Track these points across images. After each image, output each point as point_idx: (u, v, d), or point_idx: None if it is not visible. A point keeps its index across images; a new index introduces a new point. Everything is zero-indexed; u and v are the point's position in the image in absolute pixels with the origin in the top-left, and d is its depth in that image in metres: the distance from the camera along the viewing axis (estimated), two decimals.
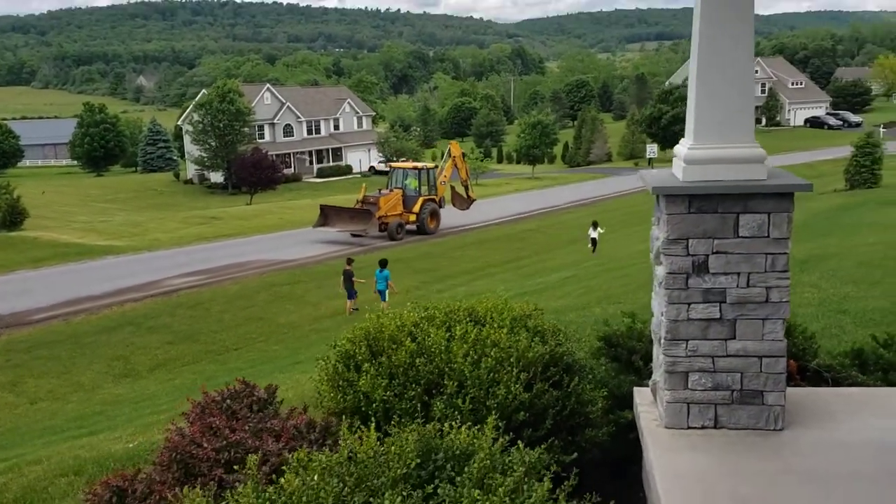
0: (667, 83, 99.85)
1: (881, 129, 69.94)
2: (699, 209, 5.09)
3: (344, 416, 5.50)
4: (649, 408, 5.73)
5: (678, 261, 5.17)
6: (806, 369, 6.47)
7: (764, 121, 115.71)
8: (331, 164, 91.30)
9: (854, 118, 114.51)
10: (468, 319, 6.04)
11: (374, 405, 5.41)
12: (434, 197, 39.81)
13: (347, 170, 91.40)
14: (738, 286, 5.14)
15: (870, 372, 6.55)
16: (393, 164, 45.09)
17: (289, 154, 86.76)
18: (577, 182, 68.93)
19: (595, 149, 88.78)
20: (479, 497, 3.30)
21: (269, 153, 76.08)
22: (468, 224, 43.13)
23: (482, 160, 72.43)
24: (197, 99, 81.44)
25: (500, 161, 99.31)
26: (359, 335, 5.91)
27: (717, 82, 5.10)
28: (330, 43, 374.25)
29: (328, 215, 38.81)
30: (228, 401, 5.37)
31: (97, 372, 19.90)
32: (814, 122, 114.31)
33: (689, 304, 5.20)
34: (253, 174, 71.00)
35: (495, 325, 5.83)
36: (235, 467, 4.37)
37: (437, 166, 41.98)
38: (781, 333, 5.19)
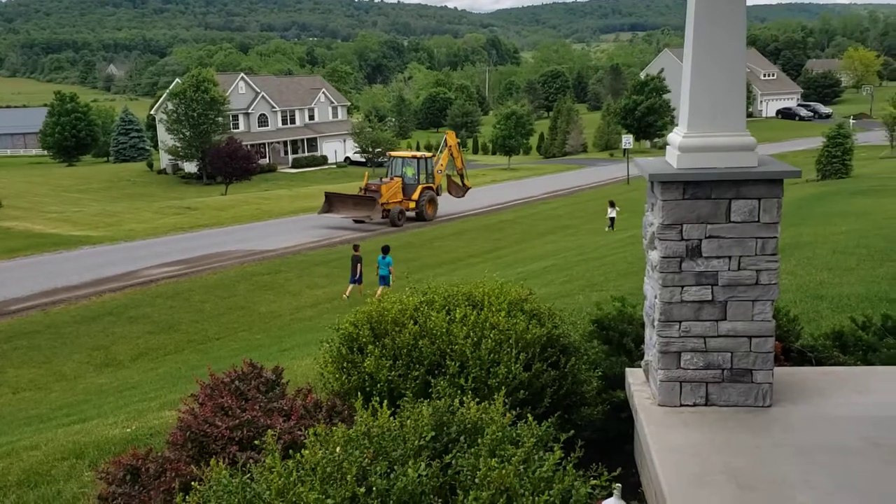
0: (642, 74, 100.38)
1: (851, 121, 71.03)
2: (693, 195, 5.30)
3: (350, 396, 5.67)
4: (642, 387, 5.95)
5: (672, 245, 5.37)
6: (790, 350, 6.73)
7: None
8: (306, 154, 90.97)
9: (824, 109, 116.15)
10: (466, 303, 6.21)
11: (378, 385, 5.58)
12: (432, 185, 41.19)
13: (322, 160, 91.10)
14: (729, 269, 5.35)
15: (850, 353, 6.82)
16: (392, 154, 46.72)
17: (263, 144, 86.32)
18: (553, 173, 69.29)
19: (570, 140, 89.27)
20: (495, 465, 3.48)
21: (244, 143, 75.69)
22: (447, 215, 43.43)
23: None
24: (171, 88, 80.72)
25: (476, 152, 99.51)
26: (361, 318, 6.06)
27: (711, 72, 5.31)
28: (303, 32, 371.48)
29: (333, 202, 39.93)
30: (237, 382, 5.51)
31: (78, 362, 19.84)
32: (785, 114, 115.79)
33: (682, 286, 5.42)
34: (228, 164, 70.60)
35: (493, 309, 6.00)
36: (257, 442, 4.51)
37: (433, 155, 43.56)
38: (770, 314, 5.42)
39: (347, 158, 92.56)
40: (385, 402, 4.48)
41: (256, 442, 4.59)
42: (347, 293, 24.30)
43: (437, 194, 41.90)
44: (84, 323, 22.57)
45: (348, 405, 5.62)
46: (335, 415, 5.41)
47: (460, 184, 44.55)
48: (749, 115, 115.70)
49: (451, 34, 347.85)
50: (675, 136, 5.58)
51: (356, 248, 25.10)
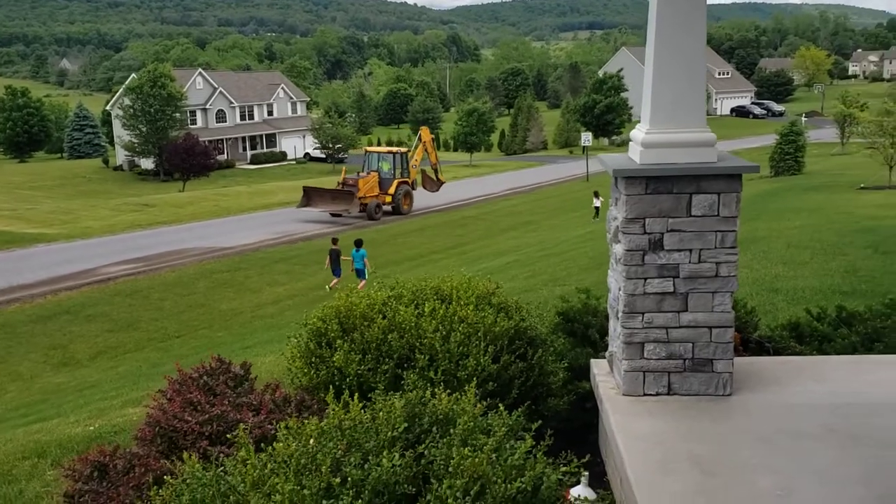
0: (600, 72, 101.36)
1: (803, 118, 72.56)
2: (655, 190, 5.42)
3: (318, 391, 5.70)
4: (606, 377, 6.07)
5: (636, 239, 5.49)
6: (748, 341, 6.91)
7: None
8: (265, 150, 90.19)
9: (777, 107, 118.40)
10: (435, 297, 6.27)
11: (348, 379, 5.62)
12: (407, 179, 42.11)
13: (282, 156, 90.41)
14: (690, 262, 5.49)
15: (806, 343, 7.03)
16: (368, 149, 47.38)
17: (221, 140, 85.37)
18: (514, 170, 69.63)
19: (531, 137, 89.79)
20: (468, 454, 3.55)
21: (202, 139, 74.78)
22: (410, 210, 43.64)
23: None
24: (127, 83, 79.44)
25: (437, 148, 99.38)
26: (329, 313, 6.08)
27: (672, 70, 5.44)
28: (261, 27, 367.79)
29: (311, 196, 40.34)
30: (205, 377, 5.50)
31: (34, 361, 19.50)
32: (739, 112, 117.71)
33: (645, 279, 5.54)
34: (185, 160, 69.72)
35: (462, 303, 6.08)
36: (228, 436, 4.53)
37: (409, 151, 44.55)
38: (730, 306, 5.57)
39: (307, 154, 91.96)
40: (356, 395, 4.52)
41: (228, 436, 4.60)
42: (333, 284, 23.83)
43: (413, 189, 42.69)
44: (40, 322, 22.18)
45: (317, 399, 5.65)
46: (304, 409, 5.44)
47: (434, 178, 45.55)
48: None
49: (411, 30, 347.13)
50: (638, 133, 5.70)
51: (335, 241, 25.34)
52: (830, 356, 6.52)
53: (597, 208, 35.20)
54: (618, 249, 5.69)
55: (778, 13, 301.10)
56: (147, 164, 78.17)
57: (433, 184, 45.50)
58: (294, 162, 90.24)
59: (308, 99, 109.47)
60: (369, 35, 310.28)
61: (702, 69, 5.46)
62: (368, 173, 41.06)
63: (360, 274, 23.47)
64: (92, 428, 7.90)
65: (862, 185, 32.07)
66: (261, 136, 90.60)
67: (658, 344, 5.61)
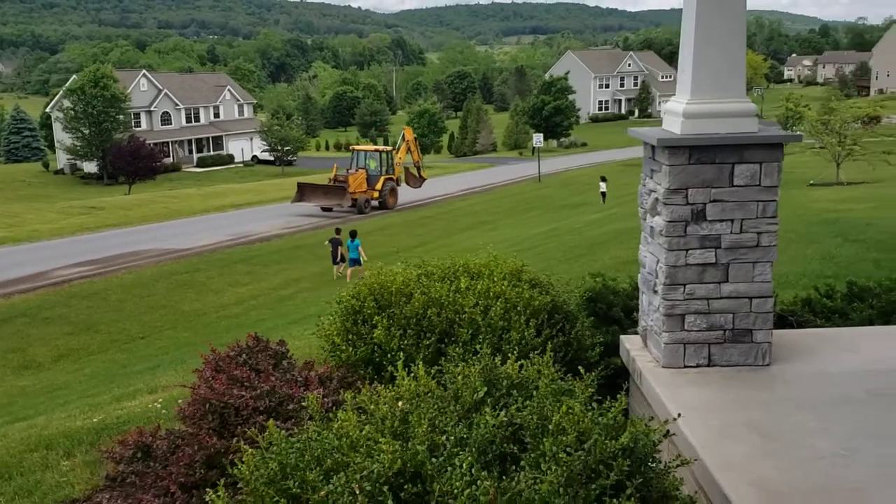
0: (547, 75, 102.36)
1: None
2: (698, 160, 5.44)
3: (357, 368, 5.59)
4: (641, 352, 6.07)
5: (678, 210, 5.51)
6: None
7: (636, 112, 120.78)
8: (211, 153, 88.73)
9: None
10: (465, 274, 6.21)
11: (389, 355, 5.51)
12: (393, 176, 44.14)
13: (229, 159, 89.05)
14: (731, 232, 5.53)
15: (820, 318, 7.15)
16: (355, 147, 48.86)
17: (167, 143, 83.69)
18: (466, 171, 69.74)
19: (481, 139, 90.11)
20: (569, 412, 3.50)
21: (147, 142, 73.22)
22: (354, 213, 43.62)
23: None
24: (68, 84, 77.36)
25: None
26: (363, 291, 5.97)
27: (714, 41, 5.47)
28: (203, 29, 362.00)
29: (304, 191, 42.22)
30: (244, 355, 5.34)
31: None
32: None
33: (686, 250, 5.56)
34: (131, 163, 68.24)
35: (495, 278, 6.02)
36: (290, 407, 4.38)
37: (393, 149, 46.28)
38: (769, 276, 5.63)
39: (255, 157, 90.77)
40: (415, 365, 4.43)
41: (288, 408, 4.47)
42: (341, 271, 25.57)
43: (397, 185, 44.76)
44: None
45: (358, 376, 5.54)
46: (346, 385, 5.32)
47: (417, 175, 47.86)
48: (648, 115, 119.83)
49: (355, 34, 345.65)
50: (676, 105, 5.71)
51: (338, 231, 26.59)
52: (855, 328, 6.64)
53: (603, 193, 38.18)
54: (658, 222, 5.69)
55: None
56: (90, 167, 76.20)
57: (416, 180, 47.63)
58: (242, 165, 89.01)
59: (255, 101, 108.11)
60: (313, 38, 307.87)
61: (743, 41, 5.50)
62: (357, 170, 42.67)
63: (353, 262, 24.73)
64: (95, 420, 7.61)
65: (812, 182, 32.93)
66: (207, 138, 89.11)
67: (699, 315, 5.63)
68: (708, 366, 5.72)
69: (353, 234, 25.20)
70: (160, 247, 33.06)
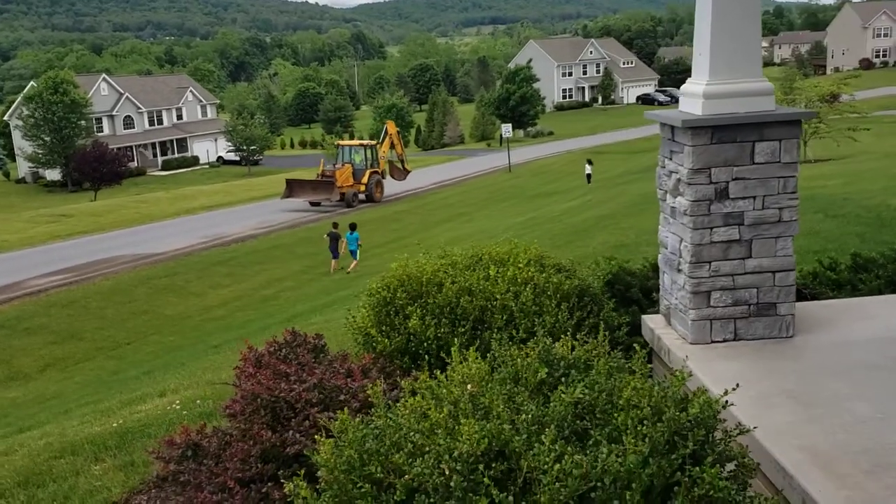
0: (511, 65, 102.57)
1: None
2: (720, 140, 5.57)
3: (394, 357, 5.66)
4: (666, 330, 6.21)
5: (702, 189, 5.64)
6: None
7: (600, 99, 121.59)
8: (176, 155, 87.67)
9: (680, 94, 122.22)
10: (491, 262, 6.29)
11: (425, 344, 5.57)
12: (378, 169, 45.35)
13: (194, 161, 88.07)
14: (754, 209, 5.67)
15: (827, 289, 7.34)
16: (340, 143, 50.85)
17: (131, 147, 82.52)
18: (436, 164, 69.69)
19: (448, 131, 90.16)
20: (638, 385, 3.60)
21: (111, 146, 72.16)
22: (340, 206, 43.54)
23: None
24: (26, 91, 75.91)
25: None
26: (392, 282, 6.02)
27: (735, 19, 5.59)
28: (159, 31, 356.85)
29: (293, 187, 43.40)
30: (284, 350, 5.37)
31: None
32: (645, 99, 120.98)
33: (711, 228, 5.69)
34: (95, 169, 67.22)
35: (520, 265, 6.11)
36: (342, 397, 4.43)
37: (378, 143, 47.25)
38: (791, 249, 5.78)
39: (220, 158, 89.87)
40: (432, 360, 4.50)
41: (342, 398, 4.52)
42: (336, 266, 26.41)
43: (382, 178, 45.88)
44: None
45: (394, 366, 5.60)
46: (386, 375, 5.38)
47: (401, 168, 49.00)
48: (611, 102, 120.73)
49: (314, 30, 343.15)
50: (695, 86, 5.83)
51: (335, 225, 27.32)
52: (867, 297, 6.84)
53: (588, 175, 40.81)
54: (681, 202, 5.81)
55: (672, 3, 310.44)
56: (53, 175, 74.95)
57: (401, 173, 48.83)
58: (207, 166, 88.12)
59: (218, 101, 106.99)
60: (272, 36, 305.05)
61: (758, 21, 5.64)
62: (343, 165, 43.74)
63: (352, 254, 25.87)
64: (115, 425, 7.57)
65: None
66: (171, 140, 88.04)
67: (724, 291, 5.77)
68: (734, 340, 5.86)
69: (353, 227, 26.33)
70: (135, 252, 32.71)
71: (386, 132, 47.79)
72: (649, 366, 6.03)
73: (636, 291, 6.96)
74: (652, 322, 6.39)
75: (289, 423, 4.61)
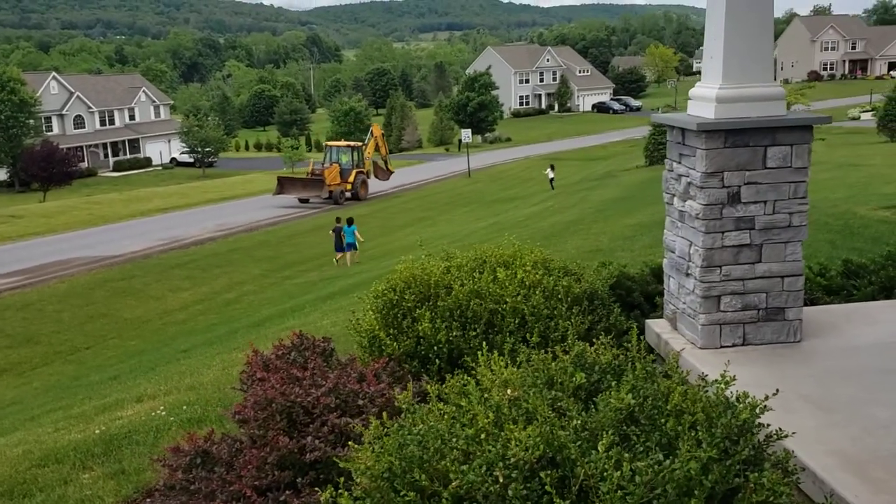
0: (469, 70, 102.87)
1: (661, 111, 76.44)
2: (733, 143, 5.56)
3: (403, 361, 5.53)
4: (672, 335, 6.17)
5: (715, 193, 5.62)
6: None
7: (556, 107, 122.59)
8: (128, 156, 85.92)
9: (635, 103, 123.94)
10: (496, 264, 6.19)
11: (436, 347, 5.45)
12: (363, 169, 48.09)
13: (147, 162, 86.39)
14: (765, 213, 5.67)
15: (822, 294, 7.40)
16: (328, 143, 53.43)
17: (81, 147, 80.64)
18: (395, 168, 69.48)
19: (406, 135, 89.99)
20: (686, 392, 3.53)
21: (60, 146, 70.44)
22: (296, 209, 43.25)
23: (296, 149, 71.09)
24: None
25: (309, 150, 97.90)
26: (399, 284, 5.88)
27: (745, 27, 5.59)
28: (109, 30, 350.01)
29: (284, 184, 45.66)
30: (293, 353, 5.20)
31: None
32: (600, 108, 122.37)
33: (723, 232, 5.68)
34: (44, 169, 65.54)
35: (527, 268, 6.03)
36: (360, 402, 4.28)
37: (363, 144, 49.81)
38: (800, 254, 5.79)
39: (174, 159, 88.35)
40: (442, 364, 4.40)
41: (359, 403, 4.38)
42: (343, 258, 27.02)
43: (367, 178, 48.43)
44: None
45: (404, 370, 5.47)
46: (396, 379, 5.25)
47: (385, 168, 51.47)
48: (567, 109, 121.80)
49: (269, 32, 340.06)
50: (706, 90, 5.81)
51: (338, 220, 28.01)
52: (867, 302, 6.90)
53: (551, 179, 42.26)
54: (692, 205, 5.79)
55: (625, 13, 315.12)
56: (0, 174, 72.81)
57: (384, 173, 51.26)
58: (160, 168, 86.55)
59: (172, 102, 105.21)
60: (226, 37, 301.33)
61: (771, 26, 5.64)
62: (331, 164, 46.08)
63: (350, 247, 26.80)
64: (97, 431, 7.28)
65: None
66: (123, 141, 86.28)
67: (734, 296, 5.76)
68: (743, 345, 5.85)
69: (350, 221, 27.20)
70: (90, 254, 31.95)
71: (371, 134, 50.53)
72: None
73: (637, 296, 6.93)
74: (657, 326, 6.36)
75: (306, 429, 4.45)
